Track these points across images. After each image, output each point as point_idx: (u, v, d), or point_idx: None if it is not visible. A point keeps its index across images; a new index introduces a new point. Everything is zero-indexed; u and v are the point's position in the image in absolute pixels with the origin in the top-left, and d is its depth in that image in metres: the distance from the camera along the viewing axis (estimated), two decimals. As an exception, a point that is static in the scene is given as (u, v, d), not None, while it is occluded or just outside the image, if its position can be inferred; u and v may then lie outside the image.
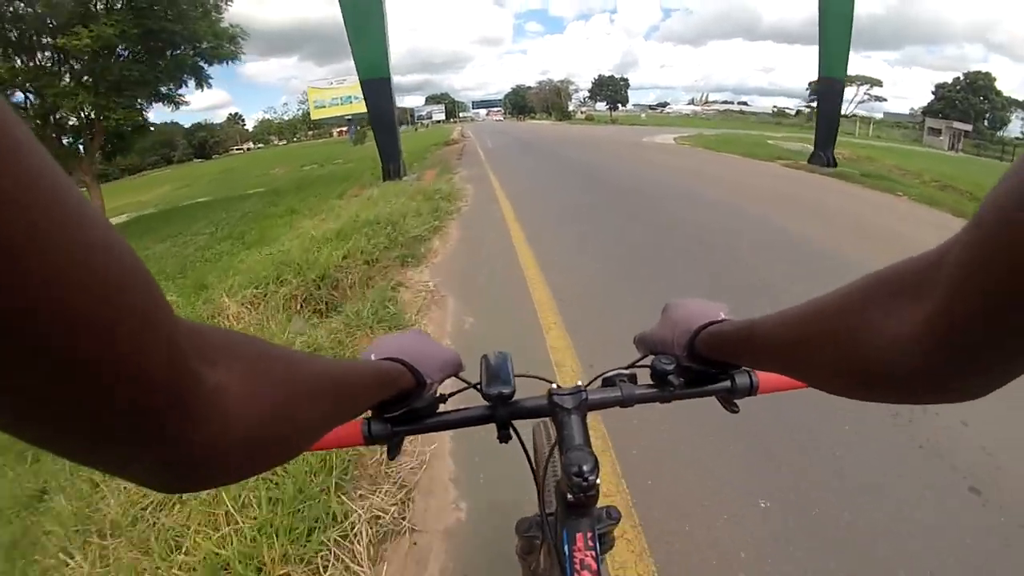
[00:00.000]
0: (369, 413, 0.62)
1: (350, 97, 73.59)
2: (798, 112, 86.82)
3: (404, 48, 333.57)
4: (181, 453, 0.24)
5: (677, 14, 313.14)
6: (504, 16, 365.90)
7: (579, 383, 0.69)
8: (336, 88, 74.36)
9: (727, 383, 0.65)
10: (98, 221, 0.18)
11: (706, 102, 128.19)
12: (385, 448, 0.65)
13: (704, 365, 0.59)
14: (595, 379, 0.73)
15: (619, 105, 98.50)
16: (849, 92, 76.79)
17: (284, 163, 40.09)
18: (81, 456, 0.21)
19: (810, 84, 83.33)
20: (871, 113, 79.74)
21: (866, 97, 77.31)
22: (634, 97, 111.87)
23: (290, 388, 0.32)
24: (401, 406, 0.59)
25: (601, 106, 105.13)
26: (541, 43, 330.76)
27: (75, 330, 0.17)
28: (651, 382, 0.67)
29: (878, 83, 78.63)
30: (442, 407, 0.67)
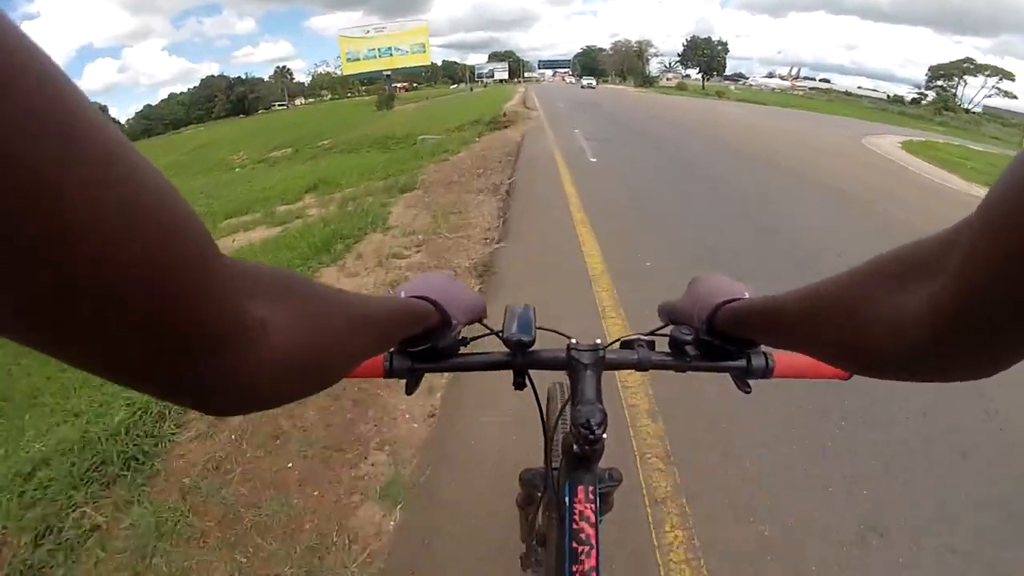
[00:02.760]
0: (392, 347, 0.62)
1: (389, 49, 59.50)
2: (914, 100, 74.91)
3: (470, 3, 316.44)
4: (228, 382, 0.25)
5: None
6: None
7: (597, 342, 0.68)
8: (372, 37, 59.53)
9: (743, 362, 0.63)
10: (144, 164, 0.19)
11: (797, 77, 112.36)
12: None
13: (720, 340, 0.58)
14: (615, 341, 0.71)
15: (714, 73, 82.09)
16: (974, 83, 67.37)
17: (254, 144, 28.12)
18: (136, 382, 0.22)
19: (931, 69, 73.53)
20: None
21: (994, 92, 68.60)
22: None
23: (327, 322, 0.34)
24: (424, 342, 0.59)
25: (692, 73, 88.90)
26: (612, 4, 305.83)
27: (129, 269, 0.18)
28: (668, 350, 0.66)
29: (1010, 76, 69.07)
30: (463, 349, 0.66)
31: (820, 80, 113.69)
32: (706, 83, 78.08)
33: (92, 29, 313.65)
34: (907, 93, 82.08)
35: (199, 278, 0.21)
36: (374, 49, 57.46)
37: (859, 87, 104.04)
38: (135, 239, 0.18)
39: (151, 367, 0.22)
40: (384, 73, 57.77)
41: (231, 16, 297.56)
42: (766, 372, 0.64)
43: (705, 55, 79.20)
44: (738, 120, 19.27)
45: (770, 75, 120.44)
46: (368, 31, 58.00)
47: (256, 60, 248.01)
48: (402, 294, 0.59)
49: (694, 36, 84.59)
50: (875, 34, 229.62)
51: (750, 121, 18.34)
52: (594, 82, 70.84)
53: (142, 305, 0.19)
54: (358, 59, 57.49)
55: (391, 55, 57.68)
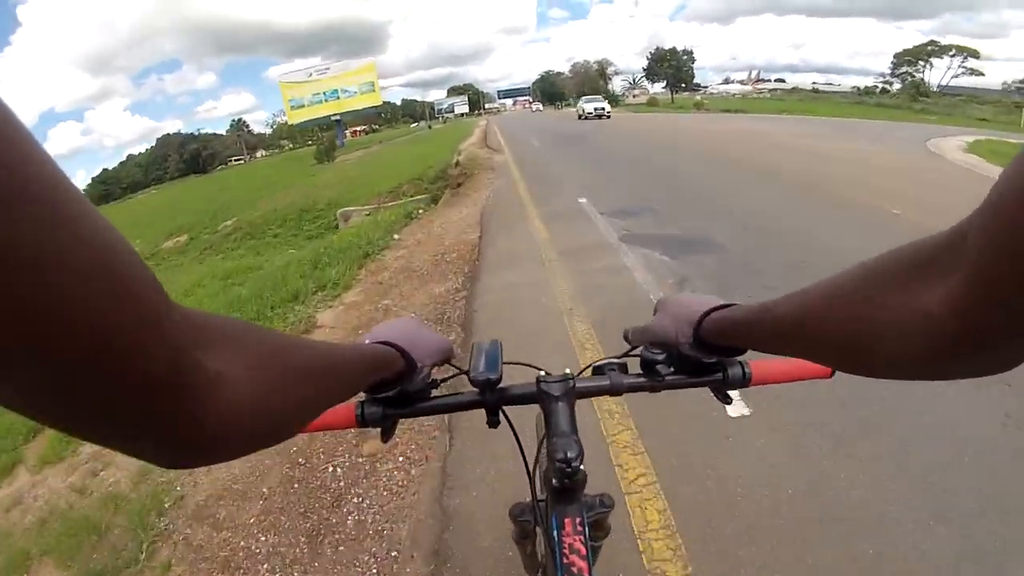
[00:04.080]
0: (363, 396, 0.63)
1: (336, 91, 53.28)
2: (883, 90, 73.42)
3: (425, 43, 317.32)
4: (181, 435, 0.25)
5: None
6: (527, 3, 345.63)
7: (567, 371, 0.69)
8: (316, 80, 53.45)
9: (719, 375, 0.64)
10: (91, 212, 0.18)
11: (757, 80, 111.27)
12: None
13: (709, 352, 0.58)
14: (585, 368, 0.72)
15: (683, 84, 78.98)
16: (941, 64, 67.08)
17: (157, 226, 23.29)
18: (87, 436, 0.22)
19: (896, 56, 71.91)
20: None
21: (961, 70, 67.96)
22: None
23: (283, 371, 0.33)
24: (392, 387, 0.59)
25: (658, 87, 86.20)
26: (565, 29, 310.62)
27: (76, 323, 0.17)
28: (640, 371, 0.66)
29: (975, 54, 68.47)
30: (435, 392, 0.67)
31: (776, 80, 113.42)
32: (675, 95, 75.01)
33: (53, 93, 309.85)
34: (875, 83, 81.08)
35: (150, 328, 0.21)
36: (319, 93, 52.77)
37: (813, 83, 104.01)
38: (80, 286, 0.17)
39: (102, 420, 0.21)
40: (333, 118, 53.15)
41: (191, 71, 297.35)
42: (744, 381, 0.64)
43: (672, 66, 76.22)
44: (780, 144, 12.80)
45: (726, 81, 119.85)
46: (311, 74, 53.33)
47: (219, 114, 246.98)
48: (367, 340, 0.59)
49: (658, 47, 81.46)
50: (820, 30, 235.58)
51: (795, 143, 13.70)
52: (538, 106, 67.68)
53: (89, 357, 0.18)
54: (303, 105, 52.75)
55: (338, 98, 53.03)
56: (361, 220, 10.89)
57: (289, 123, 57.29)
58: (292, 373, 0.34)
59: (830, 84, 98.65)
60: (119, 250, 0.19)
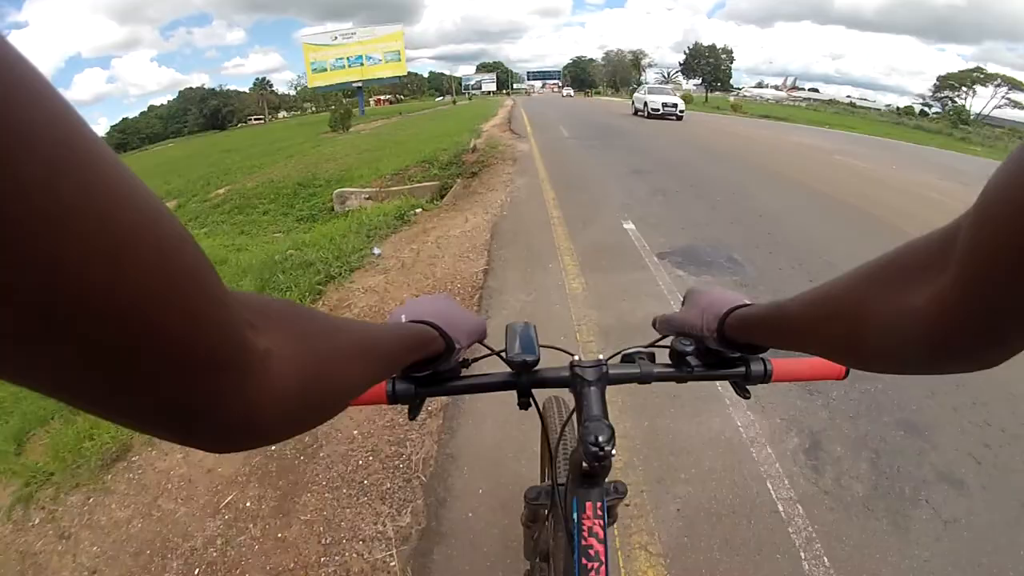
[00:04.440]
0: (396, 372, 0.63)
1: (360, 58, 51.28)
2: (922, 112, 72.37)
3: (459, 16, 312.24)
4: (232, 417, 0.24)
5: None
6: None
7: (600, 357, 0.69)
8: (340, 45, 51.32)
9: (742, 369, 0.65)
10: (148, 195, 0.18)
11: (792, 88, 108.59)
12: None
13: (731, 347, 0.59)
14: (615, 355, 0.72)
15: (719, 84, 76.10)
16: (983, 93, 66.43)
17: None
18: (135, 423, 0.22)
19: (939, 79, 70.85)
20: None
21: (1004, 101, 67.00)
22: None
23: (330, 351, 0.34)
24: (428, 368, 0.59)
25: (692, 83, 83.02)
26: (600, 16, 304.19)
27: (131, 305, 0.17)
28: (668, 361, 0.68)
29: (1020, 85, 67.06)
30: (464, 371, 0.67)
31: (809, 89, 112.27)
32: (708, 94, 72.32)
33: (80, 39, 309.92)
34: (911, 103, 78.94)
35: (201, 307, 0.20)
36: (343, 58, 50.76)
37: (847, 96, 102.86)
38: (133, 260, 0.17)
39: (150, 401, 0.21)
40: (355, 85, 51.25)
41: (220, 27, 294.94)
42: (764, 377, 0.65)
43: (709, 64, 73.31)
44: (857, 171, 10.18)
45: (760, 85, 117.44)
46: (335, 37, 51.24)
47: (246, 71, 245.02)
48: (402, 318, 0.58)
49: (697, 42, 78.85)
50: (860, 43, 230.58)
51: (874, 173, 11.71)
52: (569, 91, 64.53)
53: (140, 335, 0.18)
54: (324, 69, 50.82)
55: (362, 64, 51.01)
56: (358, 205, 9.35)
57: (309, 86, 54.84)
58: (339, 353, 0.35)
59: (864, 100, 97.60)
60: (170, 223, 0.19)
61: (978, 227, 0.25)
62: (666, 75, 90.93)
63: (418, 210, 6.00)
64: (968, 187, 8.74)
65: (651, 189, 6.90)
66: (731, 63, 76.26)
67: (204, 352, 0.21)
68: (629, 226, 5.13)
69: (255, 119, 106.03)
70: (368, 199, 9.58)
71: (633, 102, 26.41)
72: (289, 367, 0.28)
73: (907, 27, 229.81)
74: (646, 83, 27.03)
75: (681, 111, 22.31)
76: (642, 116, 23.30)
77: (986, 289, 0.25)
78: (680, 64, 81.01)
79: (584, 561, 0.61)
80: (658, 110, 22.33)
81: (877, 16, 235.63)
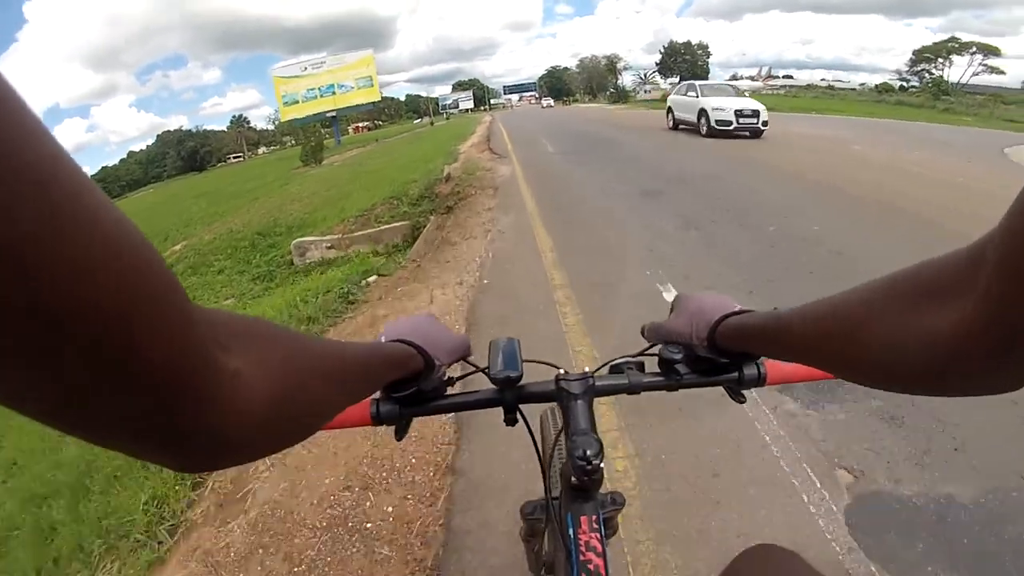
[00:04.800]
0: (378, 394, 0.62)
1: (331, 87, 50.04)
2: (900, 87, 71.25)
3: (431, 38, 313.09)
4: (198, 437, 0.24)
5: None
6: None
7: (586, 369, 0.68)
8: (310, 75, 50.03)
9: (735, 374, 0.64)
10: (112, 210, 0.18)
11: (768, 77, 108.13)
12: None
13: (721, 355, 0.59)
14: (602, 366, 0.72)
15: (698, 79, 75.55)
16: (960, 62, 66.71)
17: None
18: (98, 439, 0.21)
19: (915, 53, 69.93)
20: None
21: (981, 68, 65.53)
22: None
23: (302, 371, 0.33)
24: (409, 386, 0.59)
25: (669, 82, 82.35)
26: (571, 25, 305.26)
27: (94, 321, 0.17)
28: (658, 370, 0.67)
29: (996, 51, 66.45)
30: (450, 389, 0.67)
31: (784, 77, 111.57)
32: (688, 92, 71.49)
33: (57, 89, 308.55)
34: (889, 80, 79.04)
35: (167, 325, 0.20)
36: (314, 88, 49.59)
37: (822, 79, 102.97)
38: (101, 282, 0.17)
39: (115, 420, 0.21)
40: (328, 114, 50.03)
41: (196, 68, 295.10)
42: (759, 381, 0.64)
43: (686, 61, 72.61)
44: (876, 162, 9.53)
45: (734, 77, 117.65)
46: (305, 68, 50.07)
47: (224, 110, 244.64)
48: (383, 339, 0.58)
49: (672, 41, 78.11)
50: (828, 26, 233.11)
51: (890, 159, 10.40)
52: (548, 101, 62.70)
53: (105, 353, 0.18)
54: (296, 101, 49.59)
55: (334, 93, 49.83)
56: (320, 256, 7.93)
57: (283, 120, 53.56)
58: (312, 373, 0.34)
59: (839, 81, 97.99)
60: (138, 243, 0.19)
61: (1007, 248, 0.24)
62: (643, 75, 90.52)
63: (372, 278, 4.52)
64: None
65: (677, 220, 5.30)
66: (708, 58, 75.67)
67: (167, 371, 0.20)
68: (670, 295, 3.47)
69: (234, 157, 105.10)
70: (330, 248, 8.12)
71: (670, 111, 15.94)
72: (259, 387, 0.27)
73: (873, 6, 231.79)
74: (695, 82, 14.89)
75: (764, 122, 12.42)
76: (690, 133, 14.06)
77: (1011, 310, 0.24)
78: (656, 64, 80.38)
79: None
80: (728, 124, 12.34)
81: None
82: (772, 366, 0.64)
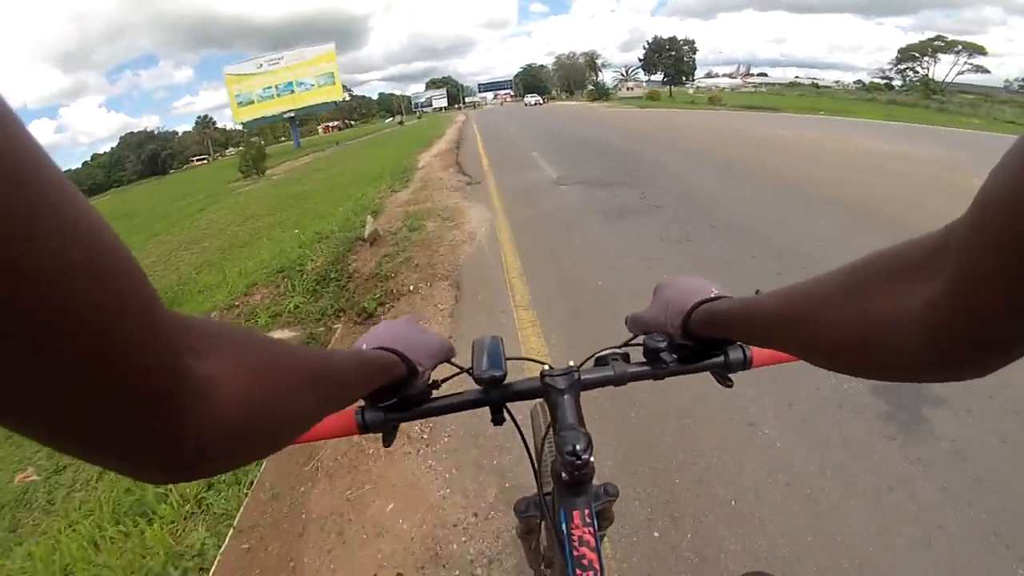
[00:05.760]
0: (362, 402, 0.62)
1: (290, 84, 44.53)
2: (887, 86, 71.65)
3: (406, 36, 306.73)
4: (170, 446, 0.23)
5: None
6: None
7: (571, 363, 0.68)
8: (266, 73, 44.78)
9: (720, 359, 0.64)
10: (88, 211, 0.18)
11: (746, 75, 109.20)
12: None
13: (698, 342, 0.59)
14: (588, 359, 0.71)
15: (684, 78, 71.84)
16: (945, 61, 66.13)
17: None
18: (67, 447, 0.21)
19: (900, 51, 69.48)
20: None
21: (967, 67, 65.09)
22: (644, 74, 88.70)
23: (279, 379, 0.32)
24: (394, 395, 0.59)
25: (651, 79, 78.92)
26: (546, 24, 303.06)
27: (61, 323, 0.17)
28: (643, 360, 0.66)
29: (981, 50, 66.17)
30: (435, 392, 0.66)
31: (759, 75, 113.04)
32: (673, 90, 68.14)
33: (23, 90, 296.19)
34: (870, 78, 79.14)
35: (136, 329, 0.20)
36: (270, 87, 44.92)
37: (796, 77, 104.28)
38: (78, 284, 0.17)
39: (83, 427, 0.20)
40: (286, 116, 45.46)
41: (168, 67, 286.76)
42: (745, 364, 0.64)
43: (671, 57, 69.13)
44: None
45: (709, 75, 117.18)
46: (261, 65, 45.30)
47: (197, 109, 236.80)
48: (364, 346, 0.57)
49: (656, 36, 74.04)
50: (801, 25, 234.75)
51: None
52: (537, 99, 59.20)
53: (71, 356, 0.17)
54: (251, 102, 44.87)
55: (293, 91, 45.24)
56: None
57: (236, 121, 48.74)
58: (289, 380, 0.33)
59: (813, 79, 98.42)
60: (108, 242, 0.18)
61: (977, 230, 0.24)
62: (625, 72, 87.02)
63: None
64: None
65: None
66: (694, 55, 72.18)
67: (130, 378, 0.20)
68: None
69: (198, 159, 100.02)
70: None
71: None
72: (234, 395, 0.27)
73: (845, 5, 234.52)
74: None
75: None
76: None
77: (983, 290, 0.24)
78: (640, 60, 76.62)
79: (579, 572, 0.59)
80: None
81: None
82: (758, 349, 0.63)
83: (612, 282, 3.74)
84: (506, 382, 0.65)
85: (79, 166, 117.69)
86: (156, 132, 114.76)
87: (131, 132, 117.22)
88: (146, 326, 0.20)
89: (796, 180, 6.71)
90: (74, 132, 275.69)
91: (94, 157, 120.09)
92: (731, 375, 0.66)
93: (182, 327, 0.24)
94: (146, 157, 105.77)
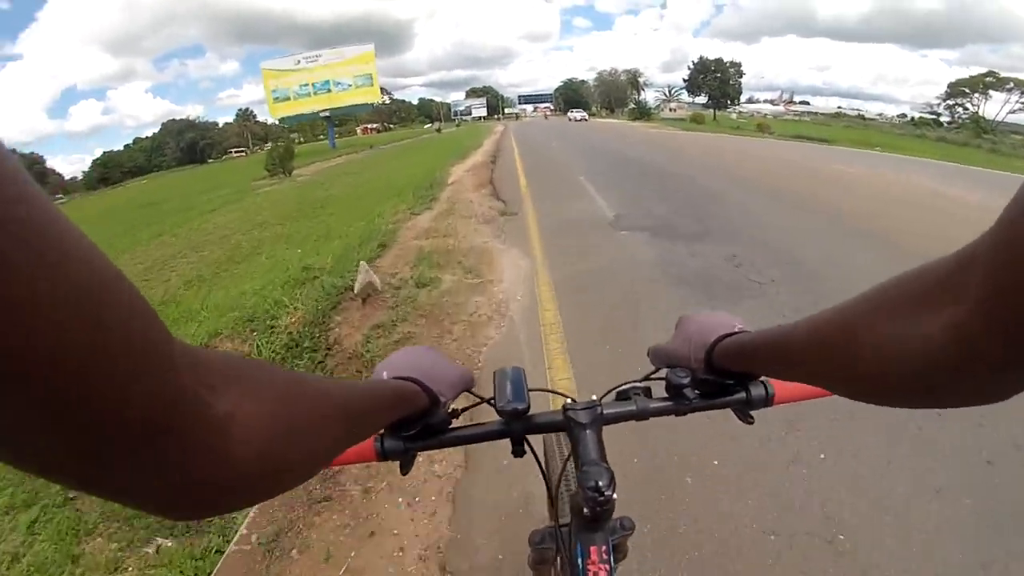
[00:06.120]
0: (382, 430, 0.61)
1: (327, 83, 43.94)
2: (935, 121, 68.75)
3: (449, 43, 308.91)
4: (185, 481, 0.23)
5: (728, 9, 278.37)
6: (551, 11, 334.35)
7: (593, 397, 0.67)
8: (304, 69, 44.26)
9: (742, 395, 0.63)
10: (94, 251, 0.18)
11: (789, 102, 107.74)
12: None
13: (721, 376, 0.58)
14: (609, 392, 0.71)
15: (729, 101, 69.99)
16: (998, 98, 63.67)
17: None
18: (81, 485, 0.21)
19: (950, 86, 67.15)
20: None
21: (1019, 106, 62.66)
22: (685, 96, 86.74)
23: (300, 415, 0.31)
24: (415, 425, 0.58)
25: (693, 101, 77.12)
26: (588, 39, 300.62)
27: (72, 363, 0.16)
28: (666, 395, 0.66)
29: None
30: (455, 422, 0.65)
31: (800, 103, 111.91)
32: (717, 113, 66.25)
33: (74, 71, 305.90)
34: (912, 112, 75.70)
35: (145, 366, 0.19)
36: (307, 84, 44.53)
37: (839, 107, 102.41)
38: (72, 321, 0.16)
39: (95, 469, 0.19)
40: (321, 114, 44.98)
41: (214, 59, 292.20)
42: (767, 401, 0.63)
43: (716, 79, 67.31)
44: None
45: (750, 100, 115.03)
46: (299, 61, 45.05)
47: (240, 102, 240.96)
48: (384, 374, 0.56)
49: (702, 56, 72.69)
50: (844, 54, 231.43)
51: None
52: (585, 115, 57.45)
53: (78, 396, 0.17)
54: (288, 98, 44.54)
55: (329, 91, 44.76)
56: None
57: (273, 117, 48.49)
58: (312, 416, 0.33)
59: (857, 110, 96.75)
60: (111, 278, 0.18)
61: (1001, 251, 0.23)
62: (668, 92, 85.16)
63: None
64: None
65: None
66: (740, 78, 70.13)
67: (148, 420, 0.19)
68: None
69: (236, 151, 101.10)
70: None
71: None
72: (254, 430, 0.26)
73: (889, 35, 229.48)
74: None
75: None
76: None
77: (1005, 315, 0.23)
78: (685, 80, 74.79)
79: None
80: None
81: (859, 26, 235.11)
82: (779, 385, 0.63)
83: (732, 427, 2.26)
84: (529, 415, 0.63)
85: (120, 148, 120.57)
86: (197, 121, 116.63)
87: (173, 119, 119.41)
88: (149, 356, 0.19)
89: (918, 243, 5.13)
90: (121, 115, 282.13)
91: (136, 141, 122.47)
92: (752, 412, 0.64)
93: (194, 362, 0.23)
94: (185, 145, 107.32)
